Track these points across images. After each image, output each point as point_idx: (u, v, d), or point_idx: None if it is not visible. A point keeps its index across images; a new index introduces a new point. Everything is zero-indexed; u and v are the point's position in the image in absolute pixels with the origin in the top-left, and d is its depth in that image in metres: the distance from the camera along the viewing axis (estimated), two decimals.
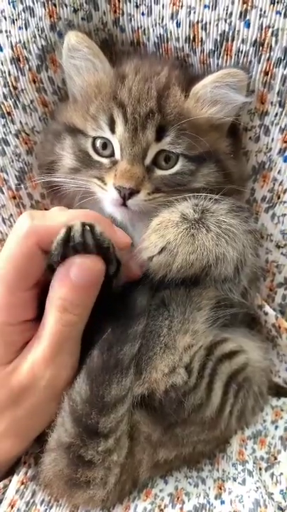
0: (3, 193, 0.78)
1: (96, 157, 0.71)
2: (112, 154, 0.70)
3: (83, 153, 0.71)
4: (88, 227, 0.59)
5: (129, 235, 0.66)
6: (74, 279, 0.60)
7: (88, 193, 0.72)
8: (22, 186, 0.78)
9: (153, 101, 0.67)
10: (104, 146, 0.70)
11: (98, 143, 0.70)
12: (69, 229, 0.59)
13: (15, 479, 0.68)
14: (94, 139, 0.70)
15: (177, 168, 0.69)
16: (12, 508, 0.65)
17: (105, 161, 0.70)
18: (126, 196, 0.67)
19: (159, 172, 0.69)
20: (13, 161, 0.77)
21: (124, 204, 0.68)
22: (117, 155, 0.69)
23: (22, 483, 0.68)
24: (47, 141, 0.76)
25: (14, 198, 0.79)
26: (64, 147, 0.73)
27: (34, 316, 0.65)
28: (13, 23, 0.70)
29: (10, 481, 0.68)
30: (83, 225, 0.59)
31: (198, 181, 0.70)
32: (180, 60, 0.74)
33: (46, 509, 0.67)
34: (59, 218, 0.61)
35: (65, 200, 0.76)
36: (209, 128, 0.70)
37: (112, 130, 0.68)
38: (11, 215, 0.80)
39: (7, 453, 0.66)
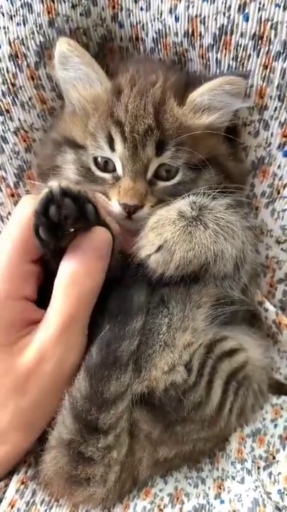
0: (1, 190, 0.78)
1: (98, 173, 0.70)
2: (114, 169, 0.69)
3: (85, 169, 0.71)
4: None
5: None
6: (86, 250, 0.62)
7: None
8: (21, 184, 0.79)
9: (150, 118, 0.66)
10: (106, 163, 0.70)
11: (99, 160, 0.70)
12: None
13: (16, 479, 0.68)
14: (96, 157, 0.70)
15: (178, 178, 0.69)
16: (12, 507, 0.65)
17: (108, 176, 0.70)
18: (131, 212, 0.67)
19: (161, 184, 0.69)
20: (11, 159, 0.77)
21: (129, 217, 0.68)
22: (119, 171, 0.69)
23: (22, 483, 0.68)
24: (46, 146, 0.76)
25: (13, 195, 0.79)
26: (66, 161, 0.72)
27: (34, 296, 0.66)
28: (11, 19, 0.70)
29: (10, 480, 0.68)
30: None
31: (200, 186, 0.69)
32: (178, 55, 0.74)
33: (46, 509, 0.66)
34: None
35: None
36: (208, 135, 0.70)
37: (112, 148, 0.68)
38: (9, 213, 0.80)
39: (17, 447, 0.66)
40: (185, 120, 0.68)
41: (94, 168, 0.70)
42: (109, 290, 0.66)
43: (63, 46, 0.68)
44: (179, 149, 0.67)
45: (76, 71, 0.70)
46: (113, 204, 0.68)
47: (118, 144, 0.67)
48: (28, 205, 0.65)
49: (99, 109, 0.69)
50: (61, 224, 0.60)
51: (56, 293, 0.63)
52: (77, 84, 0.71)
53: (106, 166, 0.70)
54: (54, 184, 0.61)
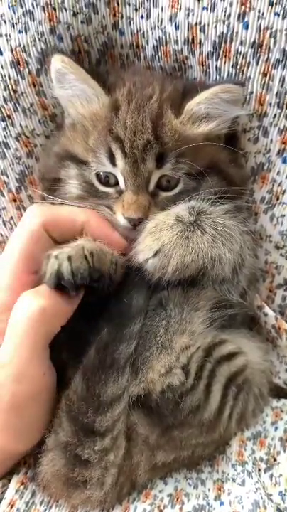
0: (3, 195, 0.79)
1: (101, 188, 0.71)
2: (117, 183, 0.70)
3: (88, 184, 0.71)
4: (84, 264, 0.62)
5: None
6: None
7: None
8: (22, 189, 0.79)
9: (148, 132, 0.67)
10: (108, 177, 0.70)
11: (101, 175, 0.70)
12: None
13: (15, 479, 0.68)
14: (98, 172, 0.71)
15: (180, 187, 0.70)
16: (11, 507, 0.66)
17: (111, 190, 0.70)
18: (136, 224, 0.68)
19: (163, 194, 0.70)
20: (13, 164, 0.78)
21: (134, 228, 0.68)
22: (122, 185, 0.69)
23: (22, 484, 0.68)
24: (49, 157, 0.76)
25: (15, 200, 0.80)
26: (69, 176, 0.73)
27: None
28: (13, 26, 0.71)
29: (9, 481, 0.69)
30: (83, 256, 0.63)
31: (202, 191, 0.69)
32: (178, 63, 0.74)
33: (45, 509, 0.67)
34: (64, 208, 0.69)
35: None
36: (207, 143, 0.70)
37: (113, 163, 0.69)
38: (12, 217, 0.81)
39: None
40: (183, 131, 0.68)
41: (97, 183, 0.71)
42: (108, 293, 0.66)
43: (58, 63, 0.69)
44: (179, 161, 0.67)
45: (72, 88, 0.70)
46: (118, 218, 0.69)
47: (119, 160, 0.68)
48: (36, 215, 0.66)
49: (98, 126, 0.69)
50: None
51: (14, 328, 0.62)
52: (74, 102, 0.71)
53: (109, 180, 0.70)
54: (65, 266, 0.61)
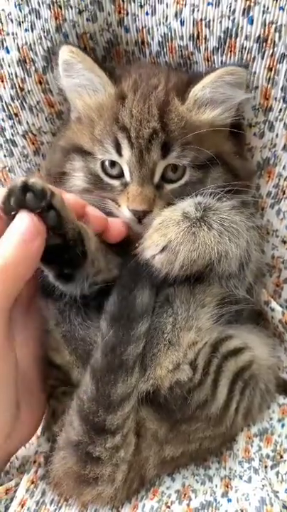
0: None
1: (107, 179, 0.71)
2: (121, 175, 0.70)
3: (94, 176, 0.72)
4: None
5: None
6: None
7: (102, 208, 0.71)
8: None
9: (154, 120, 0.67)
10: (113, 164, 0.70)
11: (106, 163, 0.71)
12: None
13: (26, 478, 0.69)
14: (103, 161, 0.71)
15: (185, 179, 0.70)
16: (22, 507, 0.66)
17: (116, 183, 0.71)
18: (140, 217, 0.68)
19: (169, 186, 0.70)
20: (20, 162, 0.78)
21: (139, 222, 0.69)
22: (127, 177, 0.70)
23: (32, 483, 0.69)
24: (55, 152, 0.76)
25: None
26: (74, 168, 0.73)
27: None
28: (20, 25, 0.71)
29: (21, 479, 0.69)
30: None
31: (208, 186, 0.69)
32: (184, 59, 0.74)
33: (56, 509, 0.67)
34: None
35: None
36: (212, 132, 0.70)
37: (119, 153, 0.69)
38: None
39: None
40: (189, 117, 0.69)
41: (102, 175, 0.71)
42: (110, 292, 0.66)
43: (65, 54, 0.69)
44: (185, 148, 0.68)
45: (79, 77, 0.70)
46: (123, 210, 0.69)
47: (125, 149, 0.68)
48: None
49: (104, 116, 0.70)
50: None
51: None
52: (81, 91, 0.72)
53: (113, 168, 0.70)
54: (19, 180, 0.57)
